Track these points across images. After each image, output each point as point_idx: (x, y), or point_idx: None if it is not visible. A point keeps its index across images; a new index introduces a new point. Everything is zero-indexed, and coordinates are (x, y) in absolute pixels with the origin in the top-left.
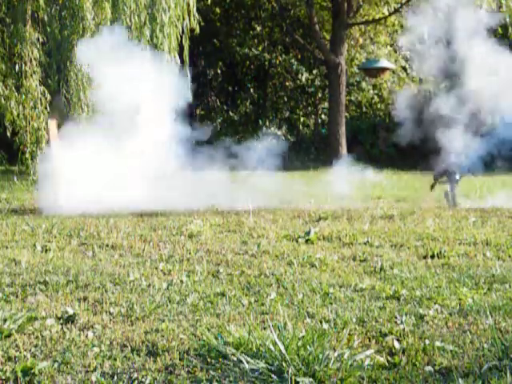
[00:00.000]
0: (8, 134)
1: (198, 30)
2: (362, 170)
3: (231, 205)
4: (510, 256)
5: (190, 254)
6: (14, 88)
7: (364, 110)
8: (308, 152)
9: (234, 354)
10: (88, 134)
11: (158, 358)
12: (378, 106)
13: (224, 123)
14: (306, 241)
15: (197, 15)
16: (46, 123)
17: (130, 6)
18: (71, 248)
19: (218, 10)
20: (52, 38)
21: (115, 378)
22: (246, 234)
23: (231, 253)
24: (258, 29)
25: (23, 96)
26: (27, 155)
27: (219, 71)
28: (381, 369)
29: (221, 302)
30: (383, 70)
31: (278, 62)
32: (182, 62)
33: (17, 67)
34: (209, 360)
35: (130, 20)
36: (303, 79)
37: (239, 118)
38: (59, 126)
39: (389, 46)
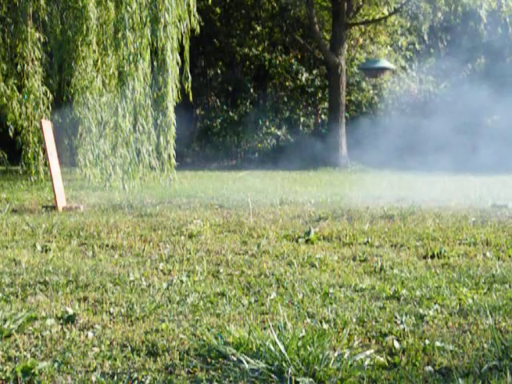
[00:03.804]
0: (10, 134)
1: (198, 30)
2: (362, 170)
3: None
4: (510, 256)
5: (190, 254)
6: (15, 88)
7: (364, 109)
8: (308, 152)
9: (234, 354)
10: None
11: (158, 358)
12: (378, 105)
13: (224, 123)
14: (306, 241)
15: (197, 15)
16: (41, 123)
17: (133, 5)
18: (71, 248)
19: (218, 10)
20: (53, 38)
21: (115, 377)
22: (245, 234)
23: (231, 253)
24: (258, 29)
25: (25, 96)
26: (29, 155)
27: (219, 71)
28: (381, 369)
29: (221, 302)
30: (383, 69)
31: (277, 61)
32: (183, 61)
33: (18, 67)
34: (209, 360)
35: (132, 20)
36: (303, 79)
37: (239, 117)
38: None
39: (389, 46)
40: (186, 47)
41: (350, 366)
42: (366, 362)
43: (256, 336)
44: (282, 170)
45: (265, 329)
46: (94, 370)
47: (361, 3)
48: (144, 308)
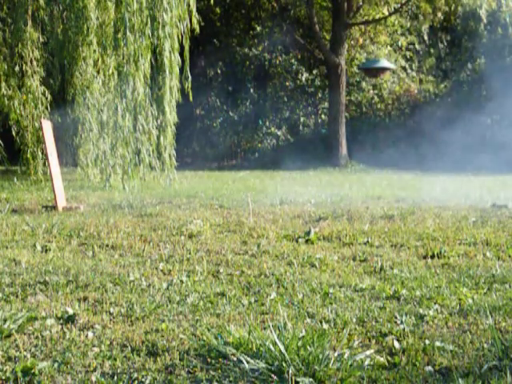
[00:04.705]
0: (13, 134)
1: (198, 30)
2: (362, 170)
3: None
4: (510, 256)
5: (190, 254)
6: (16, 88)
7: (364, 110)
8: (308, 152)
9: (234, 354)
10: None
11: (158, 358)
12: (378, 105)
13: (224, 123)
14: (306, 241)
15: (197, 15)
16: (41, 123)
17: (133, 5)
18: (71, 248)
19: (218, 10)
20: (54, 39)
21: (115, 377)
22: (245, 234)
23: (231, 253)
24: (258, 29)
25: (24, 96)
26: (28, 155)
27: (219, 71)
28: (381, 369)
29: (221, 302)
30: (383, 69)
31: (277, 61)
32: (183, 61)
33: (17, 67)
34: (209, 360)
35: (133, 20)
36: (303, 79)
37: (239, 118)
38: None
39: (389, 46)
40: (186, 47)
41: (350, 366)
42: (366, 362)
43: (256, 336)
44: (282, 169)
45: (265, 329)
46: (94, 369)
47: (361, 3)
48: (144, 308)
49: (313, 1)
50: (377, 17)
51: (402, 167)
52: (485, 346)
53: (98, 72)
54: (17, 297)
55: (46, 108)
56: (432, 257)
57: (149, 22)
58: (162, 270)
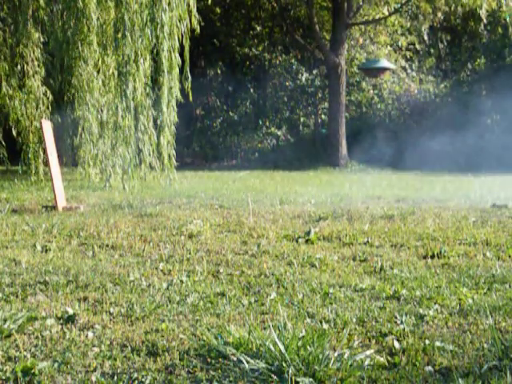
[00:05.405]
0: (14, 133)
1: (198, 30)
2: (362, 170)
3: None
4: (510, 256)
5: (190, 254)
6: (17, 87)
7: (364, 110)
8: (308, 152)
9: (234, 354)
10: None
11: (158, 358)
12: (378, 105)
13: (224, 123)
14: (306, 241)
15: (197, 15)
16: (41, 124)
17: (133, 5)
18: (71, 248)
19: (218, 10)
20: (54, 39)
21: (115, 377)
22: (245, 234)
23: (231, 253)
24: (258, 29)
25: (25, 96)
26: (30, 155)
27: (219, 71)
28: (381, 369)
29: (221, 302)
30: (383, 69)
31: (277, 61)
32: (183, 61)
33: (18, 67)
34: (209, 360)
35: (133, 20)
36: (303, 79)
37: (239, 118)
38: None
39: (389, 46)
40: (186, 47)
41: (350, 366)
42: (366, 362)
43: (256, 336)
44: (282, 169)
45: (265, 329)
46: (94, 370)
47: (361, 3)
48: (144, 308)
49: (313, 1)
50: (377, 17)
51: (401, 167)
52: (485, 345)
53: (98, 72)
54: (17, 297)
55: (47, 108)
56: (432, 257)
57: (148, 22)
58: (162, 270)
